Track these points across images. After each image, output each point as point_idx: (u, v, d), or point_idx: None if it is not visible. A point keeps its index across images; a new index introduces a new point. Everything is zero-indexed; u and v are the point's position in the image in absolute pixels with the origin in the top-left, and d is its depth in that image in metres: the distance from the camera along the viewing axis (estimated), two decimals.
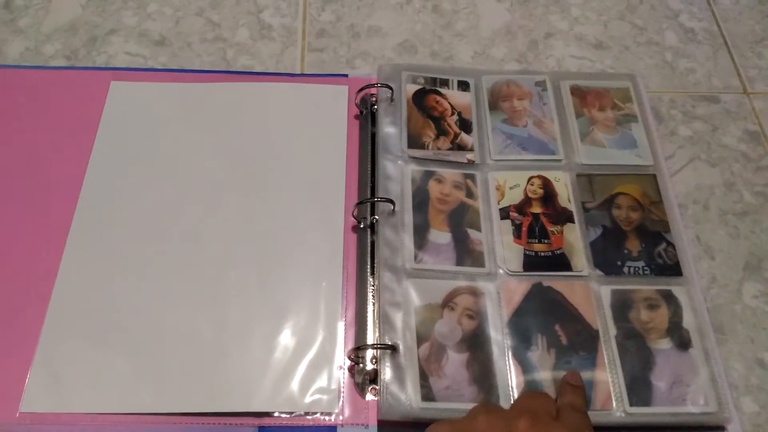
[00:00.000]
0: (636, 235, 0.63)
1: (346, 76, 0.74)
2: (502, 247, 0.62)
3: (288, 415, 0.54)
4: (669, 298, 0.60)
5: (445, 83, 0.71)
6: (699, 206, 0.68)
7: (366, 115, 0.71)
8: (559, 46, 0.79)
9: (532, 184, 0.65)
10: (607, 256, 0.62)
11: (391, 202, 0.63)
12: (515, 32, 0.80)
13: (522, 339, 0.57)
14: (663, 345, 0.57)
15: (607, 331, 0.58)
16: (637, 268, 0.61)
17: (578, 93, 0.72)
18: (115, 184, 0.66)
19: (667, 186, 0.66)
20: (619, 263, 0.61)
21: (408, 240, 0.61)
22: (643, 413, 0.54)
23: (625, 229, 0.63)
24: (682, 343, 0.57)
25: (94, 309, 0.59)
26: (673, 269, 0.61)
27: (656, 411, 0.54)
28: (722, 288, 0.63)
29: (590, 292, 0.60)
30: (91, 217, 0.64)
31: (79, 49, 0.76)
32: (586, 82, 0.73)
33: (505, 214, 0.63)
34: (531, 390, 0.54)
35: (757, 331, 0.61)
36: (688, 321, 0.58)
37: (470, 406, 0.53)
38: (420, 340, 0.56)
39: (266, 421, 0.54)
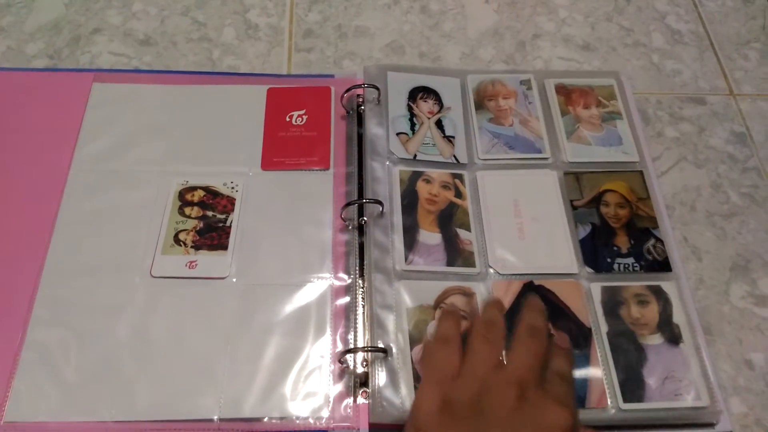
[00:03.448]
0: (625, 231, 0.63)
1: (332, 76, 0.74)
2: None
3: (278, 421, 0.54)
4: (659, 293, 0.60)
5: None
6: (686, 207, 0.68)
7: (352, 115, 0.70)
8: (546, 48, 0.79)
9: None
10: (597, 254, 0.62)
11: (380, 203, 0.63)
12: (503, 33, 0.80)
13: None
14: (654, 340, 0.57)
15: (599, 328, 0.58)
16: (627, 265, 0.61)
17: (563, 91, 0.72)
18: (98, 188, 0.65)
19: (654, 182, 0.66)
20: (608, 260, 0.61)
21: (398, 241, 0.61)
22: (636, 409, 0.54)
23: (613, 226, 0.63)
24: (673, 338, 0.58)
25: (77, 316, 0.58)
26: (663, 265, 0.61)
27: (649, 406, 0.54)
28: (710, 289, 0.63)
29: (581, 290, 0.60)
30: (73, 221, 0.63)
31: (63, 49, 0.75)
32: (571, 80, 0.73)
33: None
34: (521, 336, 0.49)
35: (745, 332, 0.61)
36: (678, 316, 0.59)
37: None
38: (413, 342, 0.56)
39: (256, 427, 0.54)
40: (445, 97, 0.71)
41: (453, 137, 0.68)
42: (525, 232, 0.63)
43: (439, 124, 0.69)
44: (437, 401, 0.46)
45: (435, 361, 0.49)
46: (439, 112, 0.70)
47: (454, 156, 0.67)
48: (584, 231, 0.63)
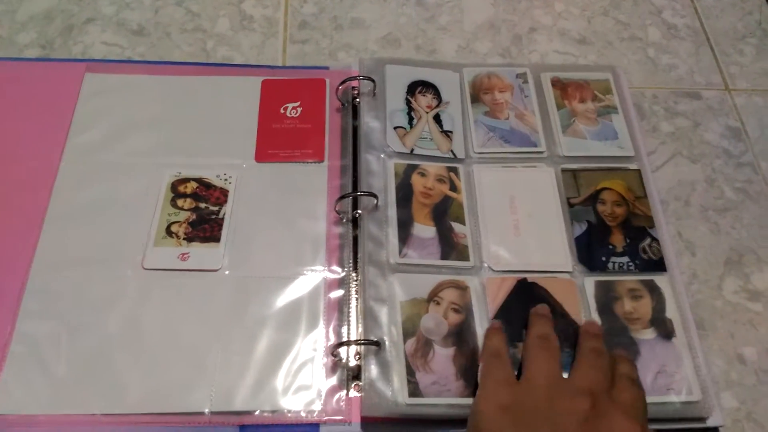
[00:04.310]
0: (620, 230, 0.63)
1: (327, 68, 0.73)
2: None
3: (270, 414, 0.54)
4: (652, 288, 0.60)
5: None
6: (680, 202, 0.68)
7: (347, 108, 0.70)
8: (542, 41, 0.78)
9: None
10: (592, 252, 0.61)
11: (374, 196, 0.62)
12: (499, 27, 0.80)
13: (507, 334, 0.56)
14: (647, 335, 0.57)
15: None
16: (621, 264, 0.61)
17: (559, 85, 0.72)
18: (89, 179, 0.64)
19: (650, 181, 0.66)
20: (603, 259, 0.61)
21: (392, 234, 0.61)
22: None
23: (609, 224, 0.63)
24: (666, 333, 0.58)
25: (67, 309, 0.58)
26: (657, 265, 0.61)
27: None
28: (703, 284, 0.63)
29: (574, 289, 0.60)
30: (65, 213, 0.62)
31: (55, 39, 0.75)
32: (567, 74, 0.73)
33: None
34: (589, 353, 0.51)
35: (737, 327, 0.61)
36: (671, 311, 0.59)
37: (458, 401, 0.53)
38: (406, 335, 0.56)
39: (248, 420, 0.53)
40: (443, 91, 0.71)
41: (451, 132, 0.68)
42: (520, 229, 0.63)
43: (437, 119, 0.69)
44: (499, 403, 0.46)
45: (492, 371, 0.50)
46: (437, 106, 0.70)
47: (452, 151, 0.67)
48: (580, 229, 0.63)
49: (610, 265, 0.61)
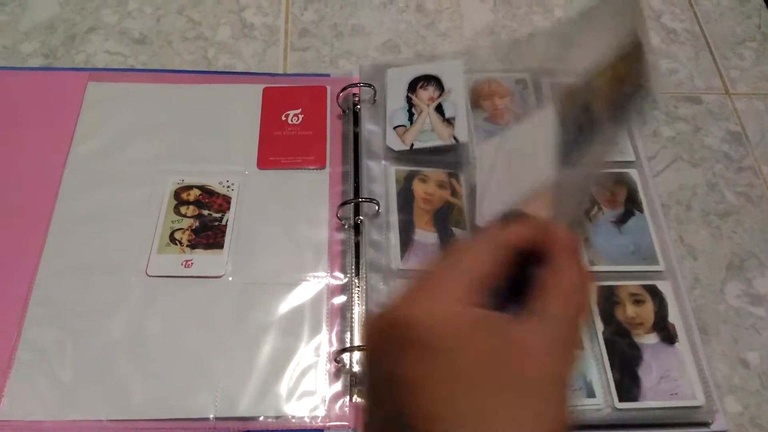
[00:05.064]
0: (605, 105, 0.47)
1: (328, 75, 0.74)
2: None
3: (274, 419, 0.54)
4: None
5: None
6: (682, 207, 0.68)
7: (348, 114, 0.70)
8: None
9: None
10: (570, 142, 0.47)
11: (376, 202, 0.63)
12: (498, 32, 0.80)
13: None
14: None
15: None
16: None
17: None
18: (93, 187, 0.65)
19: (650, 185, 0.66)
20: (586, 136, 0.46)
21: (394, 240, 0.61)
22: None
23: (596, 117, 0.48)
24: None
25: (72, 316, 0.58)
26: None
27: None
28: (705, 288, 0.63)
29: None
30: (69, 221, 0.63)
31: (58, 48, 0.75)
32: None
33: None
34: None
35: (740, 331, 0.61)
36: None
37: None
38: None
39: (252, 425, 0.54)
40: (446, 81, 0.70)
41: (453, 118, 0.67)
42: None
43: (438, 109, 0.68)
44: None
45: None
46: (440, 96, 0.69)
47: (454, 137, 0.66)
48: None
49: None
